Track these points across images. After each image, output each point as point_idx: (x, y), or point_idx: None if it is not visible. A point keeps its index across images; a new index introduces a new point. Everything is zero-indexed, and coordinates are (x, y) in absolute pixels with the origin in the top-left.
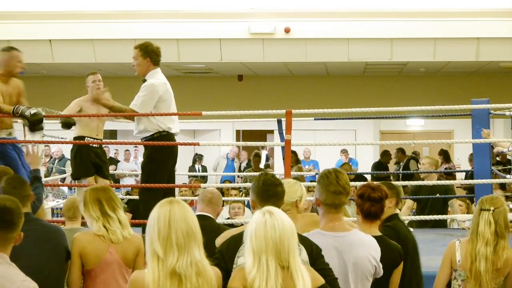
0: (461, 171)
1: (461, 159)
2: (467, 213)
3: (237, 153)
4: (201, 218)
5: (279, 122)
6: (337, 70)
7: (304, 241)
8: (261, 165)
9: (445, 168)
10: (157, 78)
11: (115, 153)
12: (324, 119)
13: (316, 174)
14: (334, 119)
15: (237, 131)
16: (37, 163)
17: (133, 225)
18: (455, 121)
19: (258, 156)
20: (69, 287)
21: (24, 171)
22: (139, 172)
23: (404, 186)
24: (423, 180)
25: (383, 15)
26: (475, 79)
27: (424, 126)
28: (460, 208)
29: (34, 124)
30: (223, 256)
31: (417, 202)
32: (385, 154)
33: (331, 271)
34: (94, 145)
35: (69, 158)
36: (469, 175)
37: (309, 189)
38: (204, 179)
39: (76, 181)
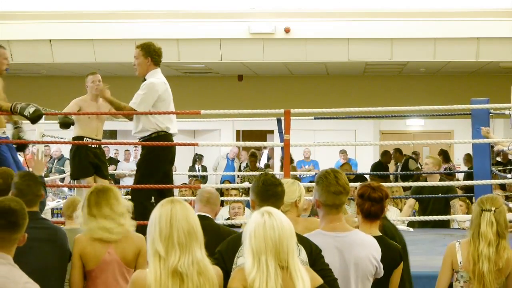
0: (460, 172)
1: (460, 159)
2: (467, 213)
3: (237, 153)
4: (200, 218)
5: (279, 121)
6: (337, 70)
7: (303, 241)
8: (261, 165)
9: (445, 169)
10: (157, 78)
11: (115, 153)
12: (324, 118)
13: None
14: (334, 118)
15: (237, 131)
16: (41, 168)
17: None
18: (455, 121)
19: (254, 156)
20: None
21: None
22: None
23: (403, 186)
24: (424, 179)
25: (383, 15)
26: (475, 79)
27: (424, 126)
28: (461, 208)
29: (35, 121)
30: (223, 256)
31: (419, 202)
32: (385, 154)
33: (331, 271)
34: (93, 146)
35: (68, 158)
36: (466, 175)
37: (308, 189)
38: (204, 179)
39: (75, 181)
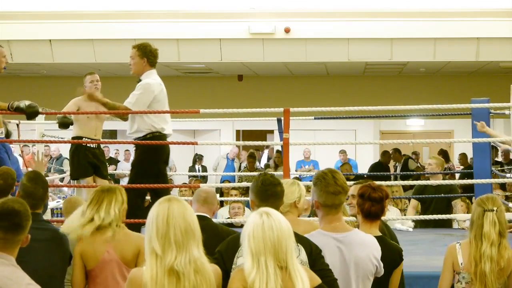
0: (460, 172)
1: None
2: (467, 213)
3: (237, 153)
4: (198, 218)
5: (279, 121)
6: (337, 70)
7: (303, 241)
8: (261, 165)
9: (445, 169)
10: (152, 79)
11: (116, 153)
12: (324, 118)
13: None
14: (334, 118)
15: (237, 131)
16: (42, 169)
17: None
18: (455, 121)
19: (253, 157)
20: None
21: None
22: None
23: (404, 186)
24: (425, 180)
25: (383, 15)
26: (475, 79)
27: (424, 126)
28: (461, 208)
29: (31, 116)
30: (223, 256)
31: (421, 202)
32: (385, 155)
33: (331, 271)
34: (91, 146)
35: (67, 157)
36: (462, 175)
37: (308, 189)
38: (204, 179)
39: (75, 181)
